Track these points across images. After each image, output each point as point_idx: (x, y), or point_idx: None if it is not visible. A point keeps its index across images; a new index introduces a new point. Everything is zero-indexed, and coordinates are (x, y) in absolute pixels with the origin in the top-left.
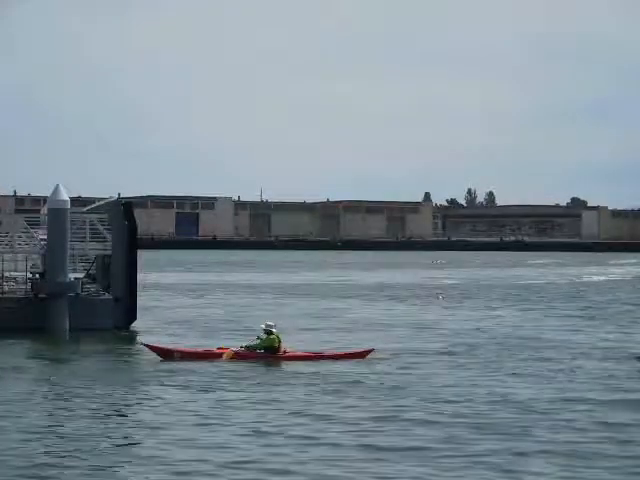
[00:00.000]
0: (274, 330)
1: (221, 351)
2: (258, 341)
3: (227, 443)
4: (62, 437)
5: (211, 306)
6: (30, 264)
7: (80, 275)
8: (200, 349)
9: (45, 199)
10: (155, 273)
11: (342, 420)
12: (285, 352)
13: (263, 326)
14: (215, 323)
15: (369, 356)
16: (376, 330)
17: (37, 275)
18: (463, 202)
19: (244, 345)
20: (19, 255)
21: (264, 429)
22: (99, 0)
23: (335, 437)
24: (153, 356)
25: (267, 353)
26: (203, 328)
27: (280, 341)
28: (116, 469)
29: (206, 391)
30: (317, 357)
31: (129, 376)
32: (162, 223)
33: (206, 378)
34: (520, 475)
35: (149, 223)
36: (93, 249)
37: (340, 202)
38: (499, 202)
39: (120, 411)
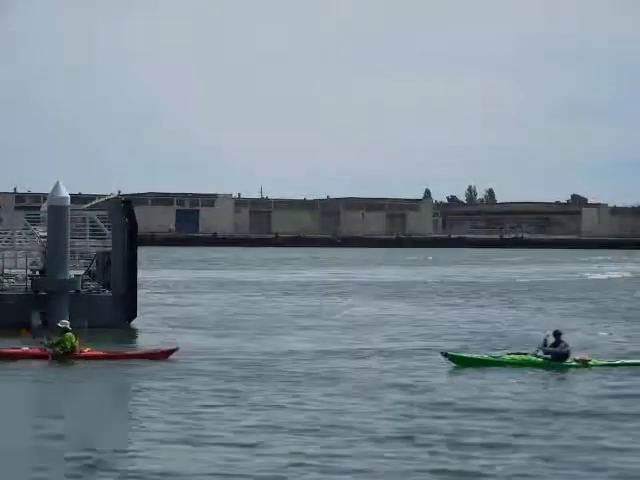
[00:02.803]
0: (70, 329)
1: (12, 350)
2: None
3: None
4: (58, 435)
5: (212, 304)
6: (30, 261)
7: (80, 272)
8: None
9: (45, 196)
10: (155, 270)
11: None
12: (81, 351)
13: (60, 325)
14: (215, 321)
15: (172, 356)
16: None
17: (37, 272)
18: (463, 199)
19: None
20: (19, 252)
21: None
22: (99, 0)
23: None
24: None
25: (63, 352)
26: (202, 326)
27: (77, 340)
28: (109, 468)
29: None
30: (115, 356)
31: (127, 374)
32: (162, 220)
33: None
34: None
35: (149, 220)
36: (93, 246)
37: (340, 199)
38: (499, 199)
39: (115, 411)
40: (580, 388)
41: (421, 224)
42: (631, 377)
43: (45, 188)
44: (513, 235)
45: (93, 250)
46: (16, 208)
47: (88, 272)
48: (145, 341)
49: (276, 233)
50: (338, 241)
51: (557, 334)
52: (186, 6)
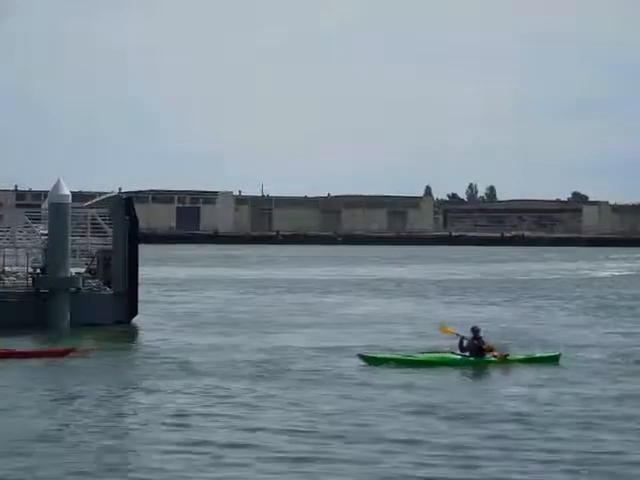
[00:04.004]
0: None
1: None
2: None
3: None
4: (57, 434)
5: (213, 302)
6: (31, 259)
7: (81, 270)
8: None
9: (46, 194)
10: (156, 268)
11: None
12: None
13: None
14: (215, 318)
15: (69, 355)
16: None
17: (38, 270)
18: (464, 197)
19: None
20: (20, 250)
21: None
22: (99, 0)
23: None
24: (153, 351)
25: None
26: (203, 324)
27: None
28: (111, 468)
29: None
30: (7, 354)
31: (127, 373)
32: (163, 218)
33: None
34: None
35: (150, 218)
36: (94, 244)
37: (341, 197)
38: (500, 197)
39: (117, 407)
40: (499, 386)
41: (422, 222)
42: (550, 371)
43: (46, 186)
44: (514, 233)
45: (94, 248)
46: (17, 206)
47: (89, 270)
48: (146, 339)
49: (277, 231)
50: (339, 239)
51: (475, 330)
52: (186, 6)
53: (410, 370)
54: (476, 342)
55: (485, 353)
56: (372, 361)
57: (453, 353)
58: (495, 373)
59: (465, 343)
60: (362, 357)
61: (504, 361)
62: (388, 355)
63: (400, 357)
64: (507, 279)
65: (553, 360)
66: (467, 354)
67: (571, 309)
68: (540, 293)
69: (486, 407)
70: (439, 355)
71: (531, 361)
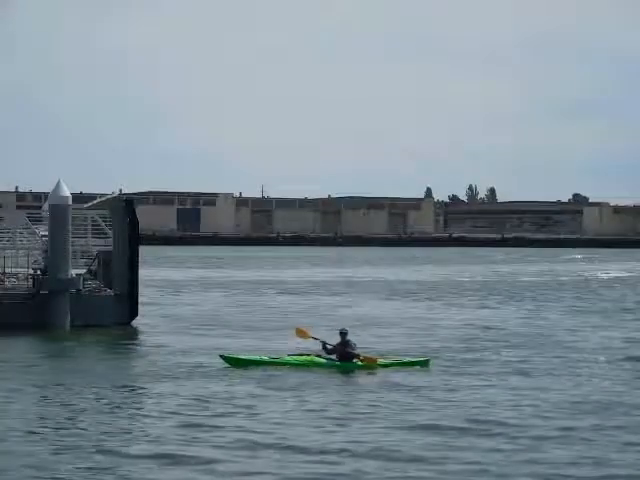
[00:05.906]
0: None
1: None
2: None
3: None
4: (60, 433)
5: (213, 304)
6: (31, 260)
7: (81, 271)
8: None
9: (46, 195)
10: (156, 269)
11: None
12: None
13: None
14: (215, 320)
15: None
16: None
17: (38, 271)
18: (464, 198)
19: None
20: (20, 251)
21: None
22: (99, 0)
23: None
24: (153, 353)
25: None
26: (203, 325)
27: None
28: (112, 467)
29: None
30: None
31: (129, 373)
32: (163, 219)
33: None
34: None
35: (150, 219)
36: (95, 245)
37: (341, 198)
38: (500, 198)
39: (118, 409)
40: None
41: (422, 223)
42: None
43: (46, 187)
44: (514, 234)
45: (94, 249)
46: (17, 207)
47: (89, 271)
48: (146, 340)
49: (277, 232)
50: (339, 240)
51: (343, 333)
52: (186, 6)
53: (272, 372)
54: (341, 346)
55: (352, 358)
56: (232, 362)
57: (319, 356)
58: (357, 377)
59: (329, 347)
60: (224, 358)
61: (371, 365)
62: (250, 356)
63: (261, 359)
64: (504, 281)
65: (422, 365)
66: (334, 357)
67: (566, 310)
68: (534, 294)
69: (339, 408)
70: (304, 358)
71: (399, 365)
